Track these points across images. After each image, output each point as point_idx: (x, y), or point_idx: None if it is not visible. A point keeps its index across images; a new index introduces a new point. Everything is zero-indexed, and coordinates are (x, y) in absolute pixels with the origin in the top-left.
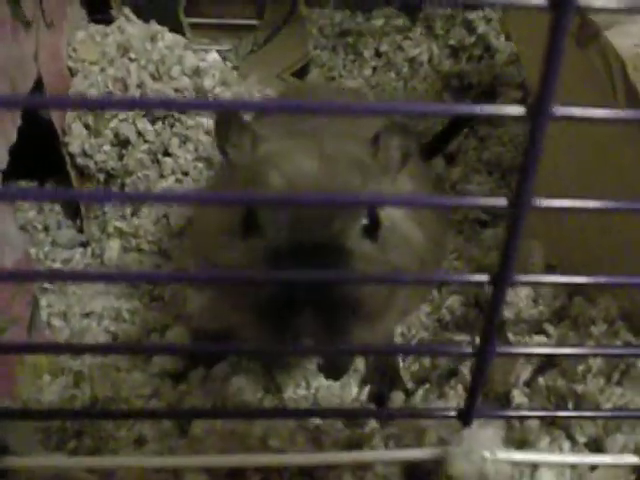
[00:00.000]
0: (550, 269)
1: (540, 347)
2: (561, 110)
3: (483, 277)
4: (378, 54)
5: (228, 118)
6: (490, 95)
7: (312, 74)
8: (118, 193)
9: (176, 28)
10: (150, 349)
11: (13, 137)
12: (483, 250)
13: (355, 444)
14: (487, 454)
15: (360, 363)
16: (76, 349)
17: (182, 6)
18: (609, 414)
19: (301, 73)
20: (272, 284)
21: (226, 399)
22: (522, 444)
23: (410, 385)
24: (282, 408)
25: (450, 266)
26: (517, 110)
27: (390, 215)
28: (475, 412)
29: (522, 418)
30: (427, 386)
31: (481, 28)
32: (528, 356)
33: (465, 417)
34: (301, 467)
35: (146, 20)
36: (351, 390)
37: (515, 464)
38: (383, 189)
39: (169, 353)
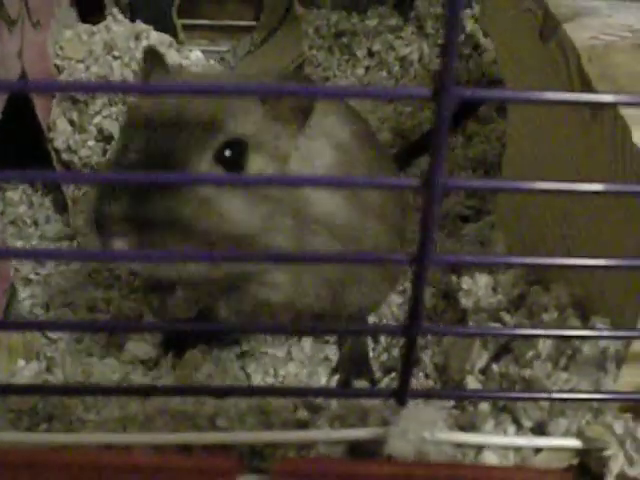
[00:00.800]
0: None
1: (470, 329)
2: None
3: (402, 256)
4: (371, 54)
5: (152, 58)
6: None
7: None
8: (88, 174)
9: (170, 29)
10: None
11: None
12: (464, 245)
13: (302, 425)
14: (426, 434)
15: (331, 352)
16: (51, 326)
17: (175, 7)
18: (544, 395)
19: None
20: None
21: (195, 383)
22: (470, 427)
23: (378, 375)
24: (230, 386)
25: None
26: (423, 91)
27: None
28: (409, 393)
29: (456, 399)
30: (393, 375)
31: (469, 27)
32: (484, 344)
33: (399, 397)
34: (251, 446)
35: (141, 21)
36: (319, 378)
37: (459, 446)
38: (271, 138)
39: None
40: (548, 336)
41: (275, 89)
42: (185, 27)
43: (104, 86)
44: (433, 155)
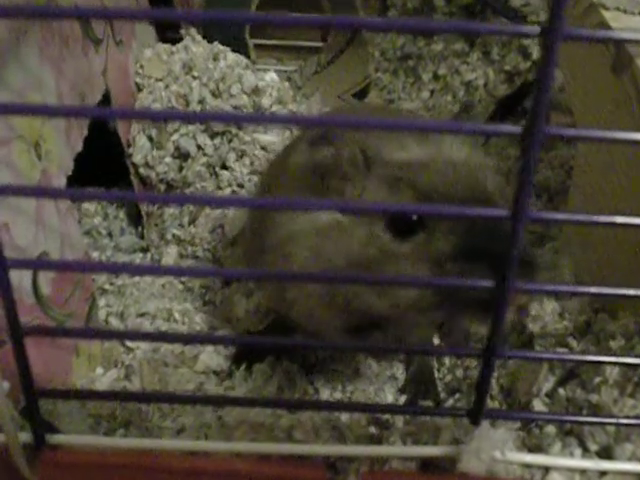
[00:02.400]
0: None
1: (544, 353)
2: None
3: (486, 284)
4: (436, 77)
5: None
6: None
7: (370, 95)
8: (174, 196)
9: (241, 49)
10: (197, 339)
11: (79, 146)
12: None
13: (376, 441)
14: (497, 454)
15: (398, 371)
16: (130, 336)
17: (248, 27)
18: (613, 421)
19: (362, 94)
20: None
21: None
22: (537, 449)
23: (443, 395)
24: (305, 401)
25: None
26: (533, 29)
27: None
28: (484, 413)
29: (530, 421)
30: (457, 396)
31: (536, 54)
32: (551, 368)
33: (474, 417)
34: (325, 458)
35: (212, 40)
36: (386, 396)
37: (527, 466)
38: None
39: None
40: (616, 363)
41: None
42: (254, 47)
43: (179, 115)
44: (518, 191)
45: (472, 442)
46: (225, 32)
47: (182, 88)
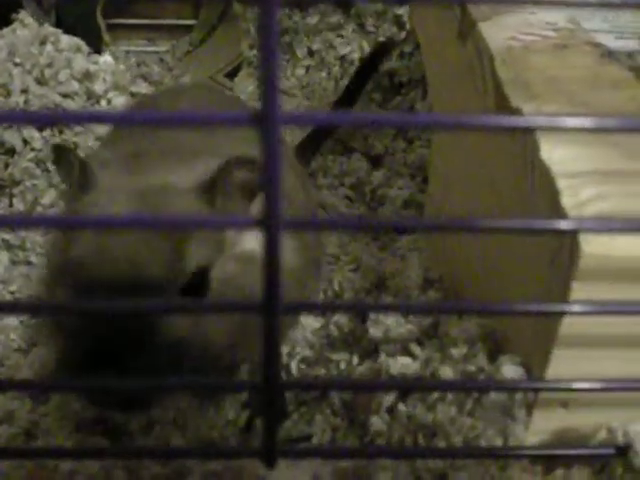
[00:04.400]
0: (428, 283)
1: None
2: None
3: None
4: (311, 53)
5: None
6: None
7: (241, 74)
8: None
9: (93, 30)
10: None
11: None
12: (395, 259)
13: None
14: None
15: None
16: None
17: (99, 6)
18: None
19: (235, 73)
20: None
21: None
22: None
23: (291, 407)
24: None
25: (343, 277)
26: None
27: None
28: (278, 452)
29: (326, 458)
30: (304, 409)
31: (410, 24)
32: (391, 379)
33: (266, 458)
34: None
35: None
36: (226, 413)
37: None
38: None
39: None
40: (449, 386)
41: None
42: (122, 26)
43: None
44: (267, 191)
45: None
46: (76, 13)
47: (2, 77)
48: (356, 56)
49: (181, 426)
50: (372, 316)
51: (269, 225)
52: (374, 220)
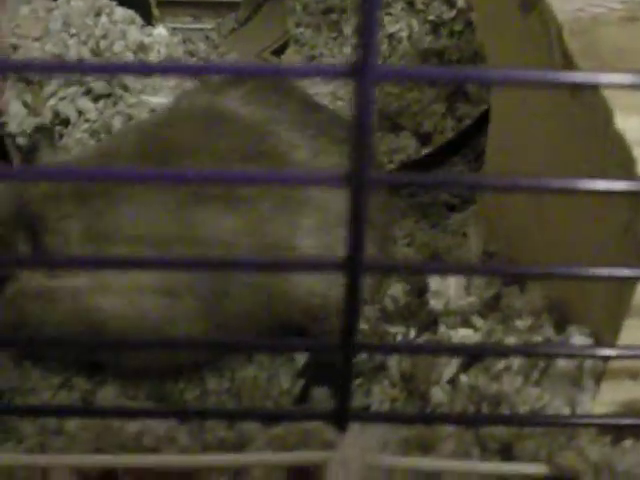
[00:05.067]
0: (488, 256)
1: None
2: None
3: (331, 261)
4: None
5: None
6: None
7: (289, 52)
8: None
9: (142, 4)
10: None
11: None
12: (447, 235)
13: (241, 444)
14: (371, 460)
15: (298, 355)
16: None
17: None
18: (508, 416)
19: (281, 51)
20: None
21: (141, 389)
22: (429, 448)
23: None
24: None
25: (400, 252)
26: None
27: None
28: (350, 415)
29: (398, 421)
30: (360, 380)
31: (461, 2)
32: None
33: (338, 421)
34: (179, 468)
35: None
36: (280, 383)
37: (415, 472)
38: None
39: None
40: (515, 352)
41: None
42: (168, 3)
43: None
44: (355, 146)
45: (340, 448)
46: None
47: (58, 47)
48: (404, 34)
49: (236, 395)
50: (433, 288)
51: (357, 181)
52: (448, 177)
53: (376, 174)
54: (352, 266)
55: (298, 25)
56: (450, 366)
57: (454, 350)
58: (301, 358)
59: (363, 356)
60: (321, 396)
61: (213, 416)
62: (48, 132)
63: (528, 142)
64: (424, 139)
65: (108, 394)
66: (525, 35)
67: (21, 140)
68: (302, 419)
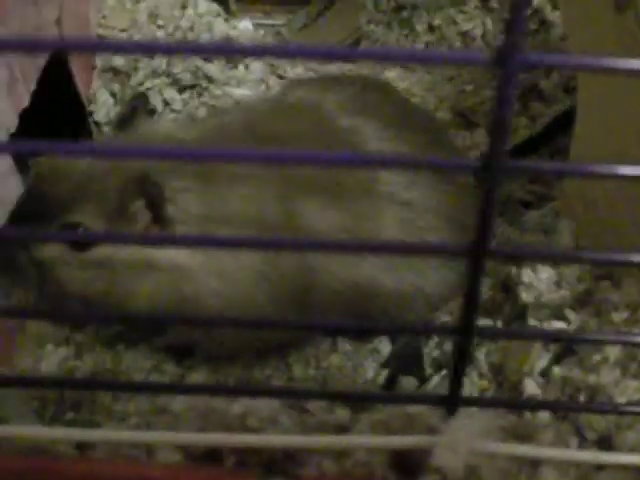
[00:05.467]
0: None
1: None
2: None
3: (456, 247)
4: (431, 28)
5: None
6: (547, 72)
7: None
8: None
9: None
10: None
11: (25, 101)
12: (527, 233)
13: (341, 428)
14: (477, 445)
15: (380, 343)
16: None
17: None
18: (609, 407)
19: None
20: None
21: (231, 376)
22: (526, 437)
23: (429, 371)
24: (263, 387)
25: None
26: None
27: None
28: (460, 400)
29: (510, 408)
30: (444, 372)
31: (536, 1)
32: (545, 343)
33: (449, 405)
34: (283, 449)
35: None
36: (365, 372)
37: (514, 459)
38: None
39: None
40: (616, 342)
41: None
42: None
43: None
44: (494, 132)
45: (448, 433)
46: None
47: (146, 39)
48: (479, 32)
49: (322, 383)
50: (525, 280)
51: (492, 170)
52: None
53: (512, 162)
54: (478, 252)
55: (369, 22)
56: (542, 358)
57: (557, 339)
58: (385, 348)
59: (448, 347)
60: (408, 385)
61: (322, 397)
62: (144, 98)
63: (620, 144)
64: None
65: (197, 379)
66: (619, 32)
67: (107, 129)
68: (413, 402)
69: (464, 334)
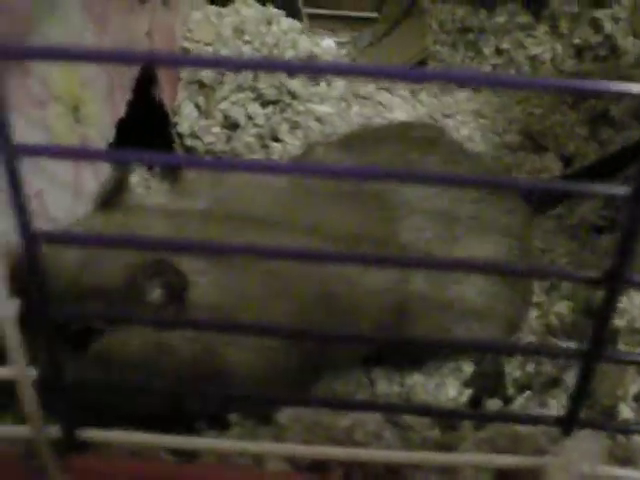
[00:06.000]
0: None
1: None
2: None
3: (592, 275)
4: (499, 51)
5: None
6: (617, 97)
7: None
8: (220, 161)
9: (294, 17)
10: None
11: (121, 110)
12: (601, 257)
13: (445, 446)
14: (586, 468)
15: (465, 365)
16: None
17: None
18: None
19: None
20: None
21: (316, 390)
22: (626, 461)
23: (511, 392)
24: (372, 402)
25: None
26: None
27: None
28: (577, 421)
29: (629, 433)
30: (527, 394)
31: (608, 27)
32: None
33: (566, 426)
34: (387, 464)
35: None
36: (447, 391)
37: None
38: None
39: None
40: None
41: None
42: (311, 17)
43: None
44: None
45: (562, 454)
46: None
47: (232, 53)
48: (548, 57)
49: (405, 400)
50: (617, 305)
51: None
52: None
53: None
54: (615, 281)
55: (434, 42)
56: (635, 382)
57: None
58: (467, 367)
59: (530, 368)
60: (493, 406)
61: (438, 414)
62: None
63: None
64: (567, 161)
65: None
66: None
67: (189, 141)
68: (528, 423)
69: (591, 359)
